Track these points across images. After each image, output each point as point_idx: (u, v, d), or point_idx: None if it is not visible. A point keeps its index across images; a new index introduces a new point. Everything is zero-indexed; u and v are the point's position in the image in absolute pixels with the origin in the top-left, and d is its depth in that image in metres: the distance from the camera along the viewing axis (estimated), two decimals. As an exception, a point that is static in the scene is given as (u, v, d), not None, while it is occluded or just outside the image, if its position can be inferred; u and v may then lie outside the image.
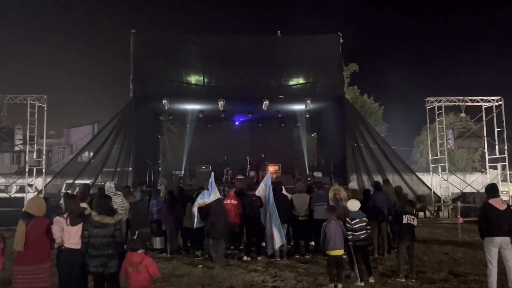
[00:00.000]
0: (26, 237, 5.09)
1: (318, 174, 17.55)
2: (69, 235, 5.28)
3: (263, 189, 9.30)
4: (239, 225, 9.39)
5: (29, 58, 57.09)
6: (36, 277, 5.11)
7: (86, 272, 5.36)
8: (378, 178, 14.46)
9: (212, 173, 10.06)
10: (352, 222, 6.78)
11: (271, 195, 8.97)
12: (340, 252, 6.65)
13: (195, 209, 8.82)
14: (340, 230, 6.67)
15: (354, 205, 6.99)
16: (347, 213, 7.15)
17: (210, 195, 8.86)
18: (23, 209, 5.41)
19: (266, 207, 8.98)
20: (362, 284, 6.73)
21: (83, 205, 6.43)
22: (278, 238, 8.71)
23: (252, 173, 17.70)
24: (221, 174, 17.75)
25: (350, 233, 6.75)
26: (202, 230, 9.02)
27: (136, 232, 7.72)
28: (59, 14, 62.10)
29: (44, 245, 5.21)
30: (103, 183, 13.66)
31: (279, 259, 8.81)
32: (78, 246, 5.28)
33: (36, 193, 15.78)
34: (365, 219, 6.93)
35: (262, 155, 18.06)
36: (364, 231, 6.83)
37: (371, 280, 6.78)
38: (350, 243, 6.82)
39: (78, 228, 5.31)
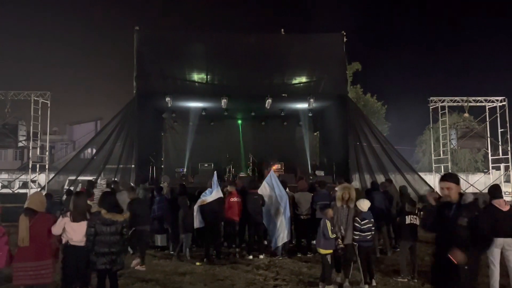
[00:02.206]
0: (30, 232, 5.10)
1: (321, 173, 17.52)
2: (73, 232, 5.29)
3: (265, 188, 9.32)
4: (239, 223, 9.42)
5: (32, 54, 57.20)
6: (38, 273, 5.10)
7: (89, 269, 5.39)
8: (381, 178, 14.43)
9: (215, 172, 10.05)
10: (362, 223, 6.66)
11: (283, 191, 9.02)
12: (322, 251, 6.60)
13: (196, 208, 8.82)
14: (322, 230, 6.61)
15: (365, 205, 6.85)
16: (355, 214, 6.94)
17: (211, 193, 8.89)
18: (26, 205, 5.35)
19: (273, 204, 9.03)
20: (366, 286, 6.66)
21: (88, 202, 6.45)
22: (283, 234, 8.78)
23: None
24: (223, 172, 17.79)
25: (357, 233, 6.65)
26: (204, 229, 9.04)
27: (133, 229, 7.65)
28: (63, 11, 62.18)
29: (46, 241, 5.20)
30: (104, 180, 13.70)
31: (281, 258, 8.83)
32: (83, 244, 5.29)
33: (39, 189, 15.83)
34: (372, 220, 6.82)
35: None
36: (369, 232, 6.74)
37: (373, 283, 6.74)
38: (356, 243, 6.70)
39: (82, 225, 5.32)
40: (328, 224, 6.57)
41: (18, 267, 5.12)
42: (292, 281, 7.07)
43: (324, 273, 6.66)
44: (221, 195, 8.98)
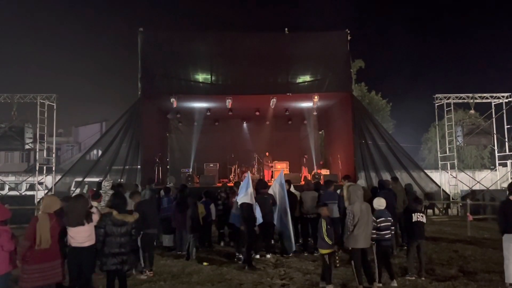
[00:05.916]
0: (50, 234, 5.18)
1: (326, 172, 17.53)
2: (74, 234, 5.34)
3: (277, 188, 9.26)
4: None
5: (38, 57, 57.53)
6: (54, 272, 5.20)
7: (95, 270, 5.42)
8: (386, 176, 14.39)
9: (249, 172, 9.72)
10: (378, 221, 6.55)
11: (285, 193, 8.97)
12: (321, 251, 6.63)
13: (234, 210, 8.76)
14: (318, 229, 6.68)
15: (379, 203, 6.77)
16: None
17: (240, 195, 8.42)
18: (44, 210, 5.37)
19: (281, 205, 9.00)
20: (380, 285, 6.51)
21: (95, 203, 6.47)
22: (293, 234, 8.84)
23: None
24: (228, 172, 17.83)
25: (374, 231, 6.51)
26: (210, 229, 8.99)
27: (141, 233, 7.35)
28: (68, 13, 62.50)
29: (58, 242, 5.30)
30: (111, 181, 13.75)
31: (291, 254, 8.83)
32: (85, 244, 5.33)
33: (46, 191, 15.92)
34: (390, 218, 6.69)
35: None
36: (388, 231, 6.61)
37: (394, 284, 6.58)
38: (374, 242, 6.54)
39: (79, 228, 5.34)
40: (324, 223, 6.56)
41: (34, 269, 5.08)
42: (299, 281, 7.07)
43: (323, 273, 6.64)
44: (247, 200, 8.20)
